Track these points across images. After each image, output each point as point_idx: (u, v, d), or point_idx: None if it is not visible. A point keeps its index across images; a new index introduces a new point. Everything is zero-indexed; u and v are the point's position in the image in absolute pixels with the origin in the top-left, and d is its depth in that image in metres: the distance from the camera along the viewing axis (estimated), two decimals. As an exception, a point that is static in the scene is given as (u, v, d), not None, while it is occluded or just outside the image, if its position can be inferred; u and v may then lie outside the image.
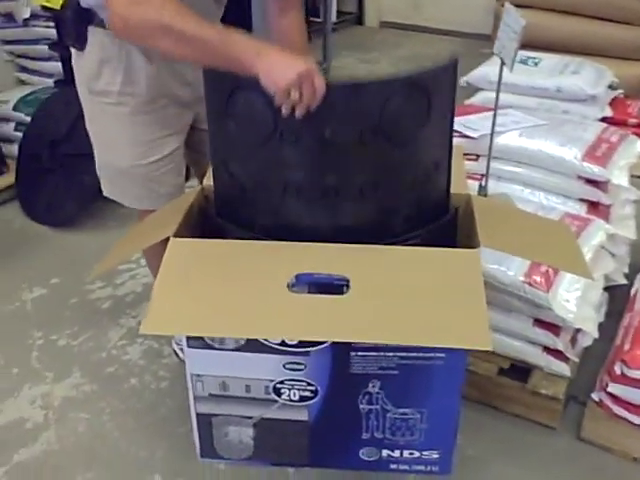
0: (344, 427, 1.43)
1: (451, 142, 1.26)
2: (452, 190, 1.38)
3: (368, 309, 1.13)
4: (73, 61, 1.50)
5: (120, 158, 1.53)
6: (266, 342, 1.31)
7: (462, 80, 2.62)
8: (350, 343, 1.30)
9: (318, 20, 4.74)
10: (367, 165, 1.18)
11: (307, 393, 1.36)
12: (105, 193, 1.64)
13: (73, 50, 1.48)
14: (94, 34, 1.41)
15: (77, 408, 1.71)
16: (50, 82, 3.04)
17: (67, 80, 2.74)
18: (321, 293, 1.20)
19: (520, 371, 1.68)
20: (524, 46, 2.15)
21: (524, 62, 2.49)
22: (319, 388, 1.36)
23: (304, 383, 1.35)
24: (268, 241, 1.26)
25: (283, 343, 1.31)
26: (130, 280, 2.21)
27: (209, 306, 1.19)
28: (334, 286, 1.20)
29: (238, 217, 1.30)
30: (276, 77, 1.05)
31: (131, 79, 1.44)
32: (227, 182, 1.28)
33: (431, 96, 1.14)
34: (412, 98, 1.13)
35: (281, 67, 1.06)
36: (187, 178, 1.68)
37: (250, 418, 1.44)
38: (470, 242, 1.29)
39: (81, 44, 1.43)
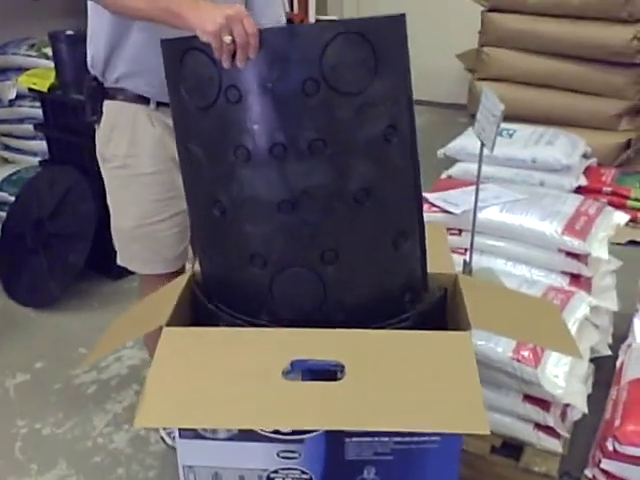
0: (339, 515, 1.40)
1: (411, 106, 1.21)
2: (439, 270, 1.40)
3: (363, 395, 1.13)
4: (96, 137, 1.61)
5: (127, 219, 1.60)
6: (260, 431, 1.30)
7: (440, 152, 2.70)
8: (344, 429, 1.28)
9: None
10: (314, 119, 1.12)
11: (301, 482, 1.34)
12: (118, 261, 1.70)
13: (95, 127, 1.60)
14: (107, 106, 1.55)
15: (63, 502, 1.66)
16: (34, 161, 3.06)
17: (52, 160, 2.77)
18: (316, 379, 1.20)
19: (513, 448, 1.67)
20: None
21: (499, 134, 2.57)
22: (314, 476, 1.34)
23: (298, 472, 1.33)
24: (262, 328, 1.26)
25: (277, 432, 1.29)
26: (115, 363, 2.18)
27: (202, 397, 1.18)
28: (329, 372, 1.20)
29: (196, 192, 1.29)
30: (205, 23, 1.08)
31: (136, 141, 1.54)
32: (188, 164, 1.27)
33: (375, 46, 1.11)
34: (353, 45, 1.09)
35: (209, 12, 1.10)
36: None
37: (242, 509, 1.41)
38: (459, 323, 1.30)
39: (98, 117, 1.56)
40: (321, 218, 1.19)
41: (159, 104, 1.52)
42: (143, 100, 1.53)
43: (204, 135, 1.20)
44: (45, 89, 2.52)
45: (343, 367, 1.16)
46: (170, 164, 1.55)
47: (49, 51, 2.86)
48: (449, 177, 2.53)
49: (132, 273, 2.72)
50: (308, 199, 1.16)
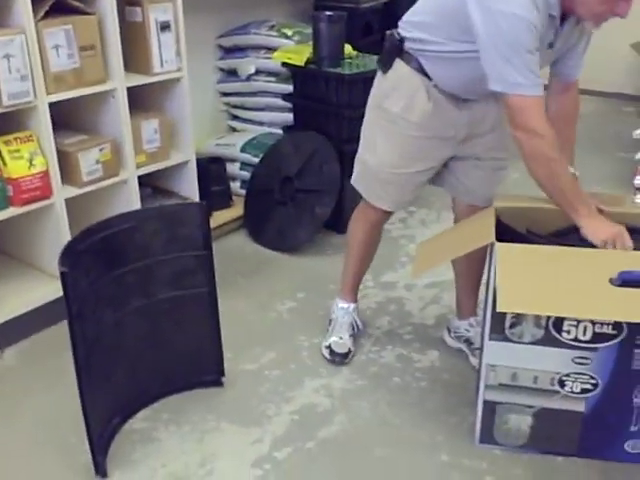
0: (614, 419, 1.62)
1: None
2: None
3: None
4: (376, 79, 1.90)
5: (373, 160, 1.91)
6: (560, 337, 1.55)
7: (635, 133, 2.91)
8: (635, 341, 1.51)
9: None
10: None
11: (588, 386, 1.58)
12: (352, 181, 2.03)
13: (378, 72, 1.88)
14: (398, 66, 1.81)
15: (356, 398, 1.97)
16: (261, 129, 3.44)
17: (295, 126, 3.12)
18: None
19: None
20: None
21: None
22: (600, 381, 1.57)
23: (587, 376, 1.57)
24: (584, 248, 1.58)
25: (575, 339, 1.54)
26: (363, 299, 2.49)
27: (546, 293, 1.46)
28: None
29: None
30: (599, 233, 1.60)
31: (410, 108, 1.80)
32: None
33: None
34: None
35: (601, 227, 1.62)
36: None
37: (531, 407, 1.66)
38: None
39: (386, 68, 1.83)
40: None
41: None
42: (427, 75, 1.76)
43: None
44: (302, 63, 2.87)
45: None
46: (432, 135, 1.80)
47: (288, 32, 3.24)
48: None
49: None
50: None
